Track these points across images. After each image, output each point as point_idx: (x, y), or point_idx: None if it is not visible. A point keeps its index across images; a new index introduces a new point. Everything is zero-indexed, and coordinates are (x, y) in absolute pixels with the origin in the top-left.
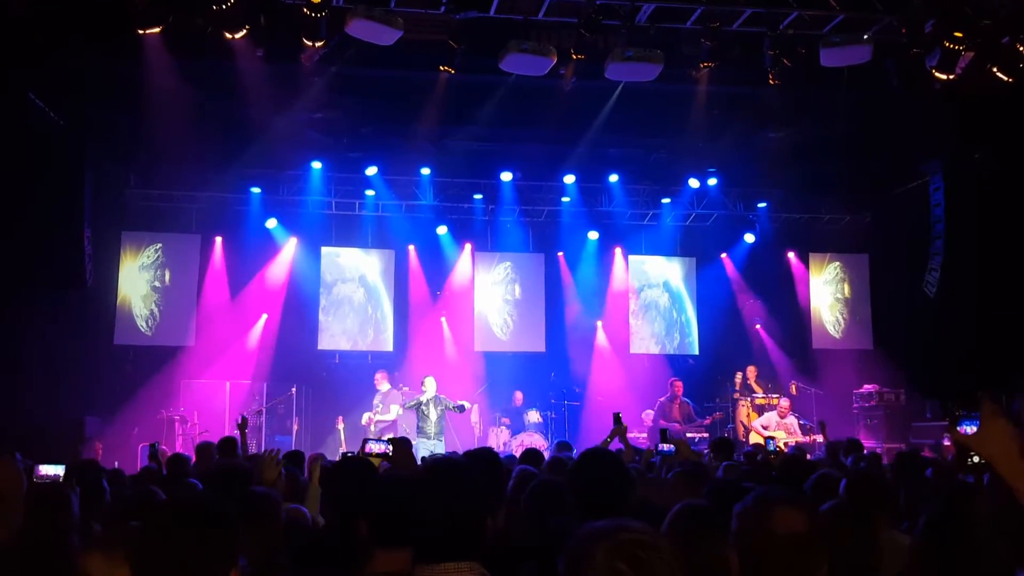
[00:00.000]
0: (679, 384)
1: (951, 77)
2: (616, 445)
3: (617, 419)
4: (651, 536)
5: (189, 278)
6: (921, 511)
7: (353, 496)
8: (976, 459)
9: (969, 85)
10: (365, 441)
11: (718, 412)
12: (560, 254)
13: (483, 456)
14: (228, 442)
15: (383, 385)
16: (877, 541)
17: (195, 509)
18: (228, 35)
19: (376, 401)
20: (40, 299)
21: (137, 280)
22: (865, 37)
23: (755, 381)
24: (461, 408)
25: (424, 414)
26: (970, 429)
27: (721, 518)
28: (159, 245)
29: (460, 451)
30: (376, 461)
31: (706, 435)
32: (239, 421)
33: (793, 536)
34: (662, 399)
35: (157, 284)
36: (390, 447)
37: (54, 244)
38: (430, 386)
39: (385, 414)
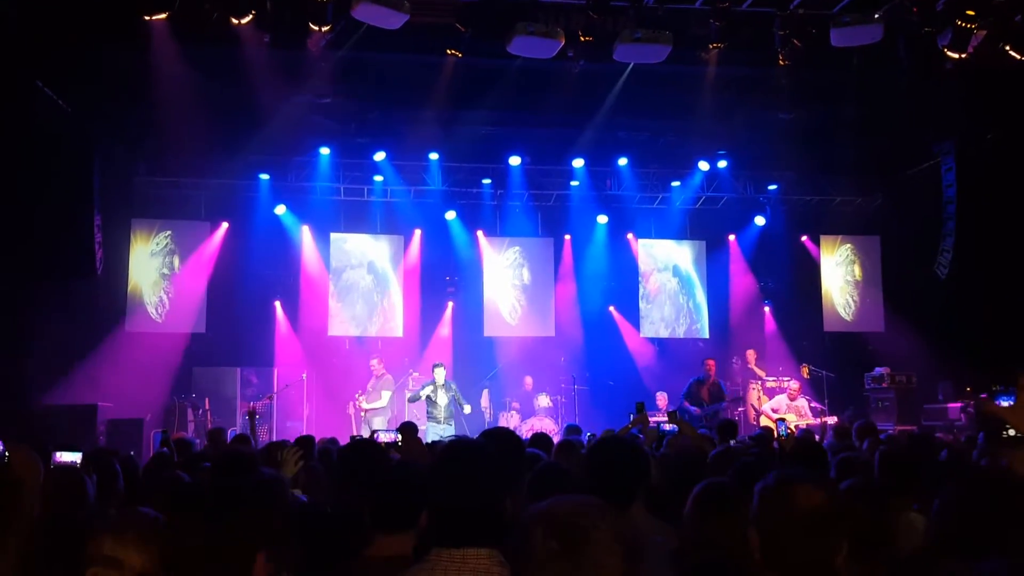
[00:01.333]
0: (712, 364)
1: (963, 56)
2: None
3: (640, 408)
4: (589, 513)
5: (199, 265)
6: (935, 493)
7: (358, 480)
8: (1012, 432)
9: (982, 64)
10: (374, 432)
11: (740, 391)
12: (568, 238)
13: (501, 436)
14: (241, 438)
15: (378, 370)
16: (897, 521)
17: (230, 492)
18: (234, 20)
19: (369, 386)
20: (51, 287)
21: (147, 267)
22: (876, 16)
23: (755, 364)
24: (461, 407)
25: (433, 400)
26: (1006, 403)
27: (744, 497)
28: (169, 232)
29: (468, 435)
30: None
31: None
32: (248, 413)
33: (813, 514)
34: (694, 379)
35: (167, 271)
36: (399, 436)
37: (64, 232)
38: (439, 375)
39: (375, 401)
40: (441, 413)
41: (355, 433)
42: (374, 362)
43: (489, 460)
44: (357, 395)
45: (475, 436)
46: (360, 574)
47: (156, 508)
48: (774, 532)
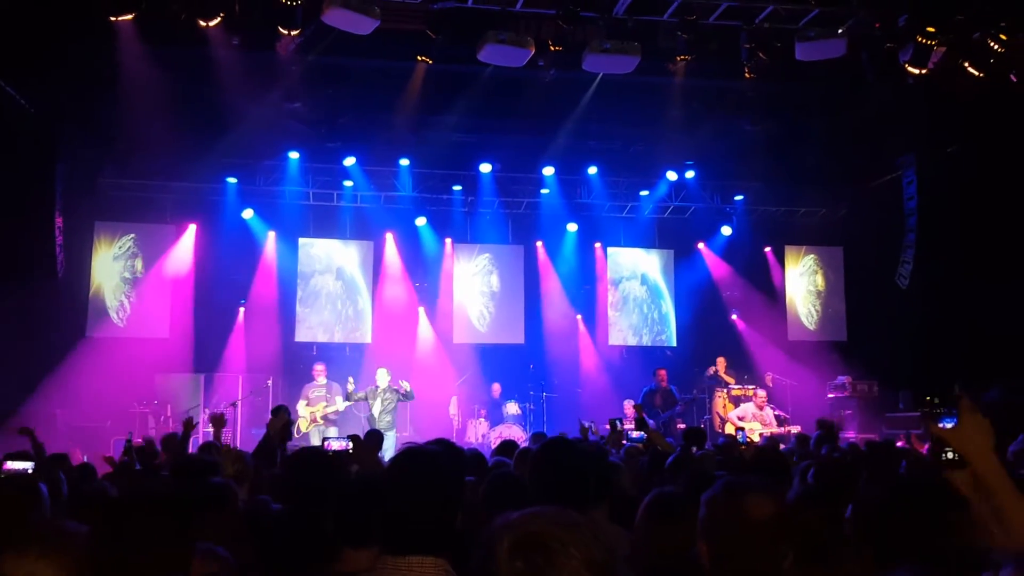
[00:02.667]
0: (663, 373)
1: (924, 71)
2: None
3: (613, 426)
4: (561, 532)
5: (163, 269)
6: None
7: (316, 490)
8: (951, 455)
9: (942, 80)
10: (325, 440)
11: (696, 393)
12: (539, 244)
13: (446, 445)
14: (170, 438)
15: (321, 378)
16: (843, 528)
17: (139, 501)
18: (202, 23)
19: (312, 393)
20: (11, 290)
21: (110, 271)
22: (840, 31)
23: (725, 372)
24: (407, 394)
25: (370, 405)
26: (948, 425)
27: (694, 505)
28: (132, 235)
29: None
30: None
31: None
32: (184, 422)
33: (761, 522)
34: (647, 389)
35: (129, 275)
36: (350, 444)
37: (25, 234)
38: (382, 378)
39: (332, 405)
40: (378, 421)
41: (300, 440)
42: (319, 367)
43: (437, 468)
44: (300, 404)
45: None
46: None
47: (88, 519)
48: (721, 541)
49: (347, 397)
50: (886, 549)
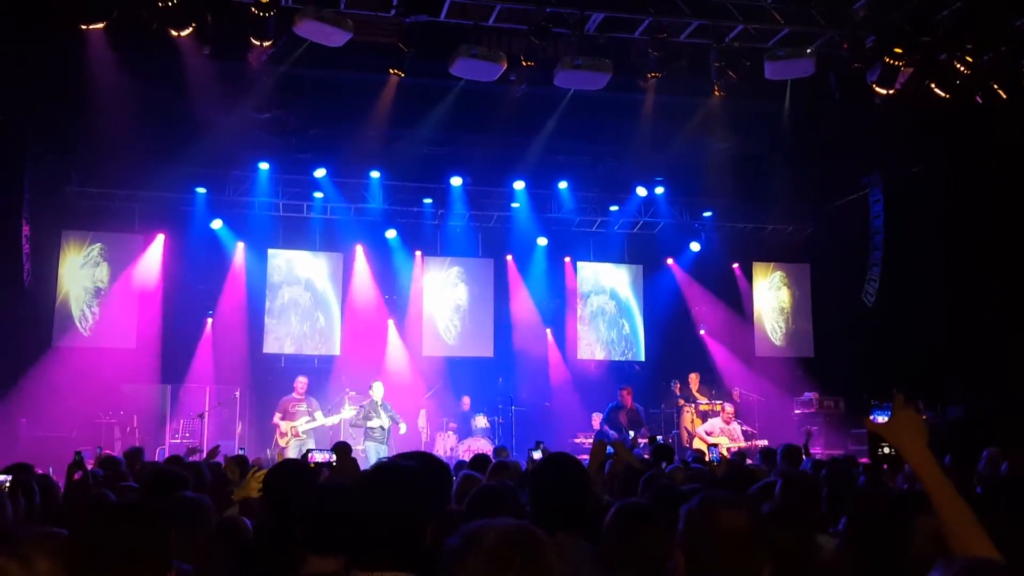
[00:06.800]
0: (628, 393)
1: (891, 92)
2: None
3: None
4: (522, 547)
5: (130, 279)
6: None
7: (288, 500)
8: (887, 449)
9: (908, 100)
10: (307, 452)
11: (655, 428)
12: (509, 258)
13: (426, 460)
14: (135, 452)
15: (301, 391)
16: (814, 542)
17: (129, 513)
18: (174, 32)
19: (292, 407)
20: None
21: (77, 280)
22: (808, 51)
23: (697, 389)
24: (398, 424)
25: (373, 418)
26: (881, 419)
27: (660, 518)
28: (100, 245)
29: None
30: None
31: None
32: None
33: (737, 536)
34: (612, 405)
35: (97, 285)
36: (334, 456)
37: None
38: (377, 391)
39: (312, 422)
40: (380, 433)
41: (280, 454)
42: (301, 379)
43: (407, 484)
44: (276, 416)
45: (400, 454)
46: None
47: (70, 527)
48: (699, 553)
49: (354, 425)
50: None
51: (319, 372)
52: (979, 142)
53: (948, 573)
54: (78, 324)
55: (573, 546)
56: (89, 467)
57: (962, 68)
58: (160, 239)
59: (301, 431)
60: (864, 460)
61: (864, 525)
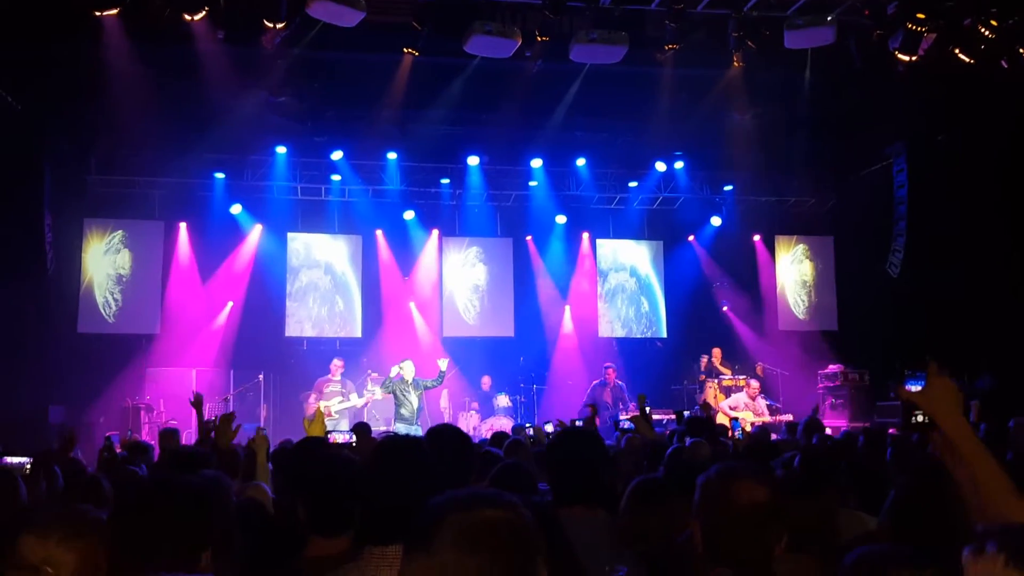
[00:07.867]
0: (612, 372)
1: (914, 59)
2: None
3: (642, 407)
4: (503, 515)
5: (153, 265)
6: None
7: (296, 478)
8: (920, 417)
9: (931, 67)
10: (328, 433)
11: (678, 404)
12: (528, 238)
13: (446, 434)
14: (168, 433)
15: (337, 374)
16: (834, 514)
17: (170, 492)
18: (187, 17)
19: (327, 388)
20: (1, 287)
21: (100, 267)
22: (828, 19)
23: (720, 363)
24: (440, 378)
25: (403, 398)
26: (915, 388)
27: (677, 493)
28: (122, 232)
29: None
30: None
31: (674, 416)
32: (192, 399)
33: (754, 507)
34: (595, 383)
35: (120, 272)
36: (354, 437)
37: (14, 231)
38: (408, 370)
39: (345, 403)
40: (411, 412)
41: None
42: (337, 362)
43: (419, 457)
44: (312, 397)
45: (428, 430)
46: (295, 574)
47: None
48: (716, 525)
49: (385, 389)
50: (922, 535)
51: (341, 355)
52: (1005, 108)
53: (1003, 540)
54: (102, 311)
55: (591, 520)
56: (117, 451)
57: (987, 32)
58: (183, 226)
59: (334, 411)
60: (892, 432)
61: (906, 496)
